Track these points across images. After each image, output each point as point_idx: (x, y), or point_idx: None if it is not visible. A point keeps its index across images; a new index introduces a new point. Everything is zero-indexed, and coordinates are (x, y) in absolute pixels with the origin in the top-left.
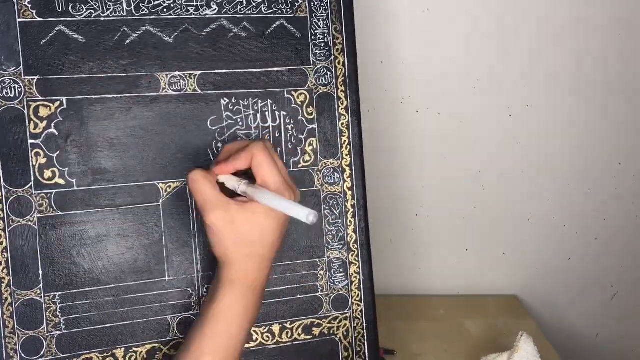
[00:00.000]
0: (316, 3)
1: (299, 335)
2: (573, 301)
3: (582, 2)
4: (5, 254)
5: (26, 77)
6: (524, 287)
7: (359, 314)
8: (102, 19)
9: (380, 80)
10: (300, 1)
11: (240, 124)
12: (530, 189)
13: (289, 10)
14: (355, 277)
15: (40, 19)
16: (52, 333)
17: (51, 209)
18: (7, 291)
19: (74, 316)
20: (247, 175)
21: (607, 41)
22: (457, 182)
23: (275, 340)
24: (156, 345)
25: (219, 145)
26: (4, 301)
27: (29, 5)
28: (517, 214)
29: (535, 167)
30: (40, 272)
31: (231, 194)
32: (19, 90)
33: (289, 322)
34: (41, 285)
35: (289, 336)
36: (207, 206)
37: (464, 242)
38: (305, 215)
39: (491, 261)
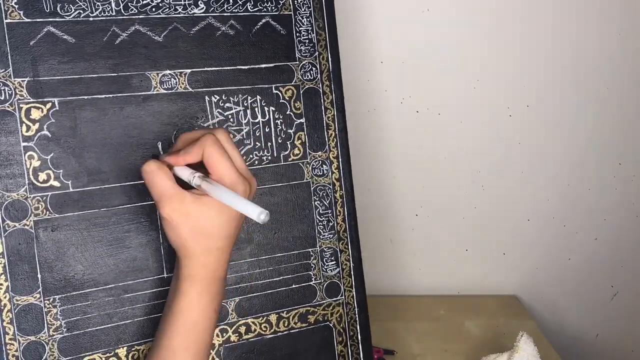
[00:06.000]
0: (299, 0)
1: (295, 323)
2: (573, 301)
3: (582, 3)
4: (2, 259)
5: (16, 79)
6: (524, 287)
7: (350, 300)
8: (91, 19)
9: (380, 80)
10: None
11: (231, 120)
12: (530, 189)
13: (273, 8)
14: (346, 264)
15: (28, 20)
16: (54, 337)
17: (47, 212)
18: (5, 297)
19: (75, 318)
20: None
21: (607, 41)
22: (457, 182)
23: (272, 330)
24: None
25: None
26: (2, 307)
27: (16, 6)
28: (517, 214)
29: (535, 167)
30: (39, 275)
31: (188, 186)
32: (9, 92)
33: (285, 312)
34: (40, 289)
35: (285, 325)
36: (162, 198)
37: (464, 242)
38: (256, 214)
39: (491, 261)
